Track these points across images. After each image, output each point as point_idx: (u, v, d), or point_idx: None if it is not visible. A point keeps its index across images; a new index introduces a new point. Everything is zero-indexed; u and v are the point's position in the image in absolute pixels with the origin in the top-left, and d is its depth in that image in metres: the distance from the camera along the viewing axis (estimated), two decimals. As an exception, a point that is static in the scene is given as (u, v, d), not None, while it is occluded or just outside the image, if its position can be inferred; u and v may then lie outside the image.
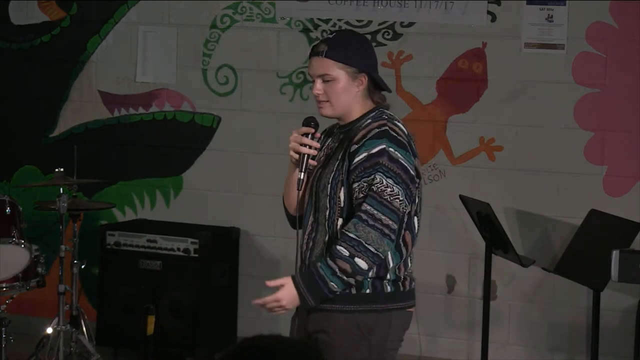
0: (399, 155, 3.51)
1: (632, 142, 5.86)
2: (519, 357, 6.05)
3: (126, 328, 6.08)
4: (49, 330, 5.57)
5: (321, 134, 3.75)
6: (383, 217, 3.46)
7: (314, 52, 3.61)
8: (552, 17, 5.92)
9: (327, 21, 6.28)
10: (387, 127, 3.54)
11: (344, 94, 3.59)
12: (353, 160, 3.51)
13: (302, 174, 3.62)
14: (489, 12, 6.01)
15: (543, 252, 5.94)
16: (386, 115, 3.61)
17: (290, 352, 2.00)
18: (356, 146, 3.52)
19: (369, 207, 3.46)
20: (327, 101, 3.59)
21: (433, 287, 6.16)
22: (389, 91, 3.73)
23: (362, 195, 3.48)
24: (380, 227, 3.45)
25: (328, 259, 3.47)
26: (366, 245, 3.45)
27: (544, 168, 5.99)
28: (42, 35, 6.76)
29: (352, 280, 3.48)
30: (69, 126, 6.74)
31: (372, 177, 3.47)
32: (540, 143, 5.99)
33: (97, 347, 5.77)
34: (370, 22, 6.21)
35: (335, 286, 3.47)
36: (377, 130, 3.53)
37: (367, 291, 3.55)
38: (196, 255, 6.06)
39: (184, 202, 6.56)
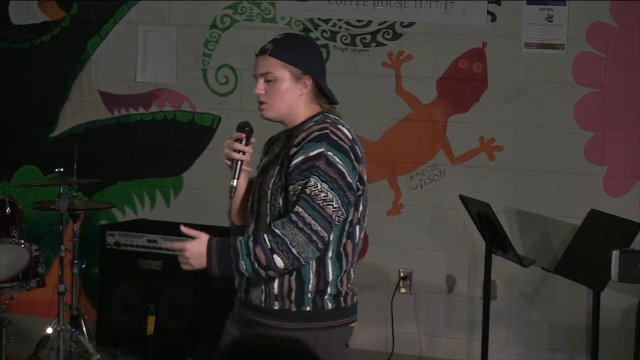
0: (337, 159, 3.36)
1: (632, 142, 5.86)
2: (519, 357, 6.05)
3: (126, 328, 6.08)
4: (49, 330, 5.57)
5: (268, 141, 3.65)
6: (313, 222, 3.31)
7: (259, 51, 3.50)
8: (552, 17, 5.92)
9: (327, 21, 6.28)
10: (328, 131, 3.38)
11: (286, 95, 3.46)
12: (290, 163, 3.37)
13: (235, 180, 3.50)
14: (489, 12, 6.01)
15: (543, 252, 5.94)
16: (330, 119, 3.46)
17: (288, 351, 2.00)
18: (295, 149, 3.38)
19: (301, 210, 3.31)
20: (268, 102, 3.48)
21: (433, 287, 6.17)
22: (336, 103, 3.58)
23: (295, 198, 3.34)
24: (308, 232, 3.31)
25: (250, 240, 3.34)
26: (290, 245, 3.30)
27: (544, 168, 5.99)
28: (42, 35, 6.77)
29: (262, 272, 3.35)
30: (69, 126, 6.74)
31: (307, 180, 3.32)
32: (540, 143, 5.99)
33: (97, 347, 5.78)
34: (370, 22, 6.21)
35: (245, 267, 3.33)
36: (317, 133, 3.38)
37: (308, 309, 3.41)
38: (196, 255, 6.05)
39: (184, 202, 6.56)
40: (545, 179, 5.98)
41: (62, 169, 5.57)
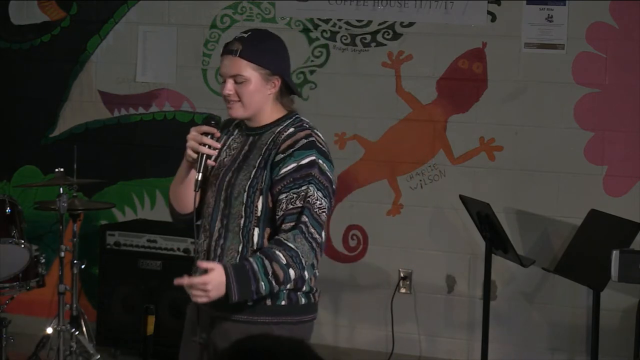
0: (326, 167, 3.42)
1: (632, 142, 5.86)
2: (519, 357, 6.05)
3: (126, 328, 6.08)
4: (49, 330, 5.58)
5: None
6: (313, 230, 3.36)
7: (227, 51, 3.45)
8: (552, 17, 5.92)
9: (327, 21, 6.28)
10: (314, 138, 3.43)
11: (255, 95, 3.45)
12: (280, 171, 3.38)
13: (200, 174, 3.48)
14: (489, 12, 6.01)
15: (543, 252, 5.94)
16: (306, 124, 3.50)
17: (290, 350, 2.00)
18: (282, 155, 3.40)
19: (307, 220, 3.34)
20: (239, 101, 3.47)
21: (433, 287, 6.17)
22: (300, 95, 3.61)
23: (292, 206, 3.35)
24: (311, 240, 3.35)
25: (265, 258, 3.30)
26: (301, 257, 3.33)
27: (544, 168, 5.98)
28: (42, 35, 6.77)
29: (275, 289, 3.35)
30: (69, 126, 6.74)
31: (305, 188, 3.36)
32: (540, 143, 5.99)
33: (97, 347, 5.77)
34: (370, 22, 6.21)
35: (263, 288, 3.30)
36: (305, 140, 3.41)
37: (283, 303, 3.43)
38: (196, 255, 6.06)
39: (184, 202, 6.55)
40: (545, 179, 5.98)
41: (62, 169, 5.57)
